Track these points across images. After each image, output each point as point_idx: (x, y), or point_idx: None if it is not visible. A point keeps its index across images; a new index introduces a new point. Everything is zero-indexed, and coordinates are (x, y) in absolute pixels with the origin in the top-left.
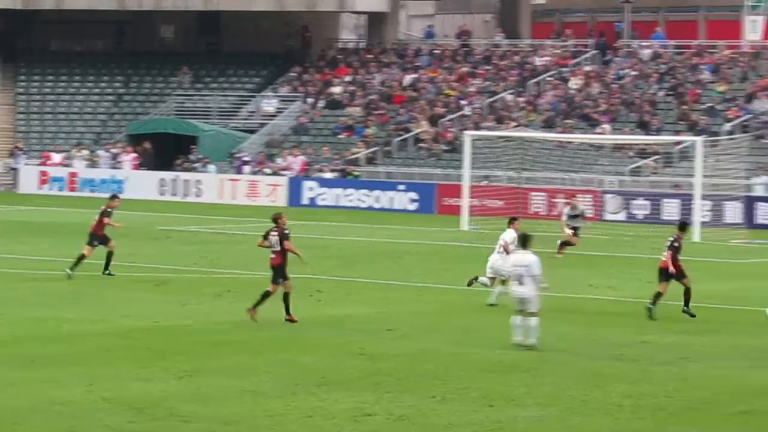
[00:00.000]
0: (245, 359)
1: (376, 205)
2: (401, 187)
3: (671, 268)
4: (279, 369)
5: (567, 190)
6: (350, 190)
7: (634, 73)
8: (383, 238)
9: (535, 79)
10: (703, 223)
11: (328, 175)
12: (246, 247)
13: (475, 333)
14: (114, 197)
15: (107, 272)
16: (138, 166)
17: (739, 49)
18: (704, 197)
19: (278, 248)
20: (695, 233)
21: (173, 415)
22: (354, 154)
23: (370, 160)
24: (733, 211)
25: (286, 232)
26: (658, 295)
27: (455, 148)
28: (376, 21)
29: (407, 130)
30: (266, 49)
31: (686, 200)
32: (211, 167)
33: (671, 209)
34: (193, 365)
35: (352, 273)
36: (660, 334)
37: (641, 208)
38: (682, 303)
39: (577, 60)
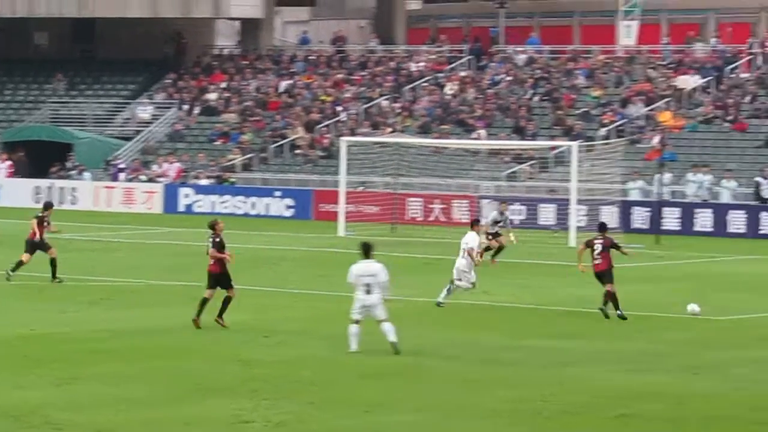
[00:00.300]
0: (121, 367)
1: (253, 212)
2: (277, 193)
3: (605, 268)
4: (155, 376)
5: (443, 196)
6: (226, 197)
7: (509, 78)
8: (260, 245)
9: (411, 85)
10: (579, 228)
11: (204, 182)
12: (122, 254)
13: None
14: (49, 206)
15: (57, 279)
16: (12, 174)
17: (613, 54)
18: (580, 202)
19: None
20: (571, 238)
21: (48, 422)
22: (230, 160)
23: (246, 167)
24: (609, 216)
25: (218, 239)
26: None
27: (331, 154)
28: (250, 27)
29: (283, 137)
30: (141, 56)
31: (562, 205)
32: (87, 175)
33: (547, 214)
34: (70, 373)
35: None
36: (536, 339)
37: (517, 213)
38: (602, 303)
39: (453, 65)
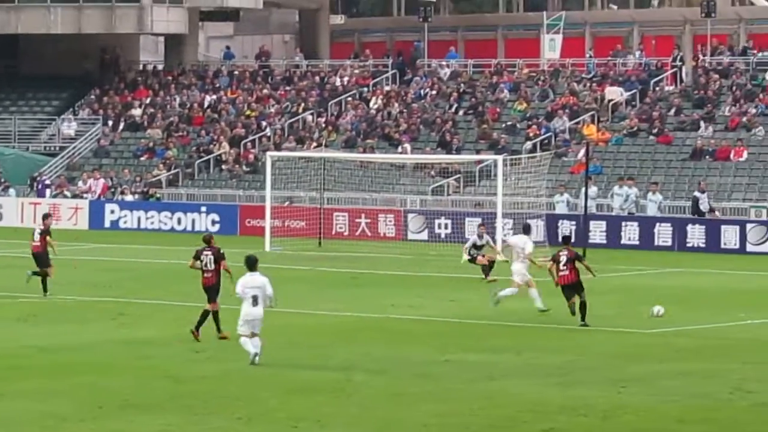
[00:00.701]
0: (48, 383)
1: (178, 228)
2: (203, 209)
3: (574, 280)
4: (82, 392)
5: (369, 210)
6: (152, 213)
7: (433, 92)
8: (186, 260)
9: (335, 99)
10: (505, 242)
11: (130, 198)
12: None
13: (279, 354)
14: (48, 216)
15: (48, 294)
16: None
17: (538, 68)
18: (506, 215)
19: (212, 268)
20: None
21: None
22: (155, 176)
23: (172, 183)
24: (535, 229)
25: (222, 252)
26: (574, 307)
27: (257, 169)
28: (174, 43)
29: (208, 152)
30: (66, 72)
31: (488, 219)
32: (12, 191)
33: (473, 228)
34: None
35: (156, 295)
36: (463, 353)
37: (444, 227)
38: (579, 317)
39: (377, 80)
